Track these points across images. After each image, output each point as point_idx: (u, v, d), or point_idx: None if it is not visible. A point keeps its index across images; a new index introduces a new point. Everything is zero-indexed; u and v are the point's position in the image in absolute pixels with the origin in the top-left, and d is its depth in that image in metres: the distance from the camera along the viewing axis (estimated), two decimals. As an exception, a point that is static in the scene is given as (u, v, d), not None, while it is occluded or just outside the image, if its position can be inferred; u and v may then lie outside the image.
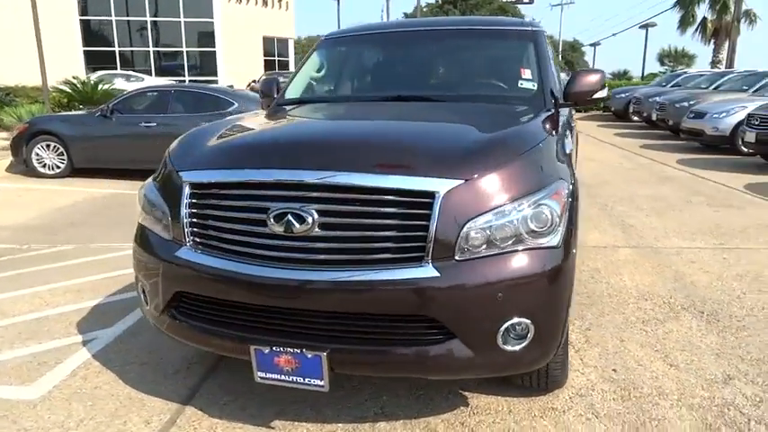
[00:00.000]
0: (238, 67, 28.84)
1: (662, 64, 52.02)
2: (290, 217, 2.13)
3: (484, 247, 2.09)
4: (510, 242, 2.11)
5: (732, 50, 29.07)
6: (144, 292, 2.62)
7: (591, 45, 48.36)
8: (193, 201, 2.37)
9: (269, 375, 2.25)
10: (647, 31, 31.88)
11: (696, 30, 30.72)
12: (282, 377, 2.23)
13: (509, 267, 2.10)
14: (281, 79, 4.51)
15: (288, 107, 3.58)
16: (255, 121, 3.25)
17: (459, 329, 2.10)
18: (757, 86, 14.31)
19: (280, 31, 33.77)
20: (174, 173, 2.52)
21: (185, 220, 2.36)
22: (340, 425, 2.53)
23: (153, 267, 2.51)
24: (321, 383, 2.18)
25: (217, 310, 2.35)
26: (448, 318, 2.09)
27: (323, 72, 4.01)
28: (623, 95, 19.74)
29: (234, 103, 9.20)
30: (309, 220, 2.11)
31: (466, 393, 2.74)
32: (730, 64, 28.15)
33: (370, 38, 4.05)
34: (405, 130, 2.77)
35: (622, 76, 46.01)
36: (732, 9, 29.11)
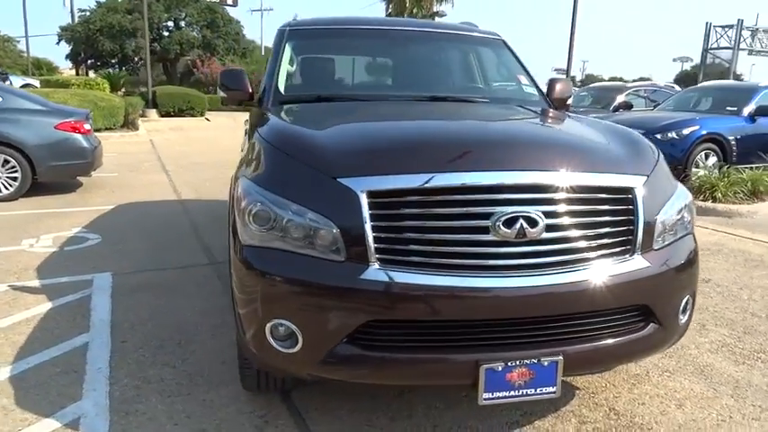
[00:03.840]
0: None
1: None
2: (522, 221, 2.00)
3: (665, 235, 2.30)
4: (674, 230, 2.36)
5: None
6: (278, 336, 2.07)
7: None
8: (379, 212, 2.00)
9: (496, 395, 2.05)
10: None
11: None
12: (512, 393, 2.06)
13: (685, 250, 2.36)
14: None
15: (315, 104, 3.15)
16: (359, 117, 2.96)
17: (660, 311, 2.26)
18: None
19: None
20: (326, 179, 2.07)
21: (371, 236, 1.98)
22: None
23: (315, 301, 2.03)
24: (553, 390, 2.10)
25: (425, 335, 2.03)
26: (655, 303, 2.23)
27: (322, 66, 3.59)
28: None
29: (-3, 98, 7.22)
30: (541, 222, 2.02)
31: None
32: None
33: (368, 33, 3.77)
34: (568, 132, 2.87)
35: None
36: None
